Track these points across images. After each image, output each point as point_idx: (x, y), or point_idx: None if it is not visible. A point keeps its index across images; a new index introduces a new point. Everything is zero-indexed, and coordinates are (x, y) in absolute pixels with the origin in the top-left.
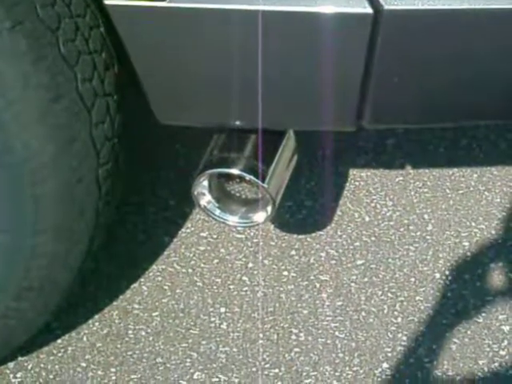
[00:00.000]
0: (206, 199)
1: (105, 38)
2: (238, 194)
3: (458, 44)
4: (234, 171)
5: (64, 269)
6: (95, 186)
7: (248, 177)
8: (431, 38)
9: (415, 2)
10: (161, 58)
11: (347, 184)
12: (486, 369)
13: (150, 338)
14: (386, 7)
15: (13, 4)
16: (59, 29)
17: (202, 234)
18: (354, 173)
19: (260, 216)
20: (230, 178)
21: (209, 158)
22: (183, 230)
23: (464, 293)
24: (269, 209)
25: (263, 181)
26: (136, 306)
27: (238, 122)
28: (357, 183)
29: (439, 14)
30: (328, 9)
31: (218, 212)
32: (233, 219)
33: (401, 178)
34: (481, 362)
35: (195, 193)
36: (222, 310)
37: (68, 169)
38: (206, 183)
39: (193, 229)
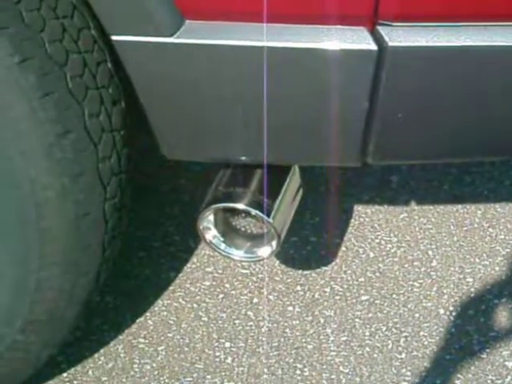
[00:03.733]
0: (211, 234)
1: (112, 74)
2: (243, 229)
3: (462, 81)
4: (240, 206)
5: (70, 302)
6: (102, 221)
7: (253, 211)
8: (435, 74)
9: (419, 39)
10: (168, 93)
11: (352, 220)
12: None
13: (156, 373)
14: (391, 44)
15: (22, 39)
16: (67, 64)
17: (207, 269)
18: (358, 209)
19: (265, 251)
20: (235, 212)
21: (214, 193)
22: (188, 265)
23: (468, 328)
24: (274, 244)
25: (268, 216)
26: (141, 341)
27: (243, 158)
28: (361, 219)
29: (443, 51)
30: (333, 45)
31: (223, 246)
32: (238, 254)
33: (405, 215)
34: None
35: (201, 227)
36: (227, 344)
37: (75, 203)
38: (211, 218)
39: (198, 264)
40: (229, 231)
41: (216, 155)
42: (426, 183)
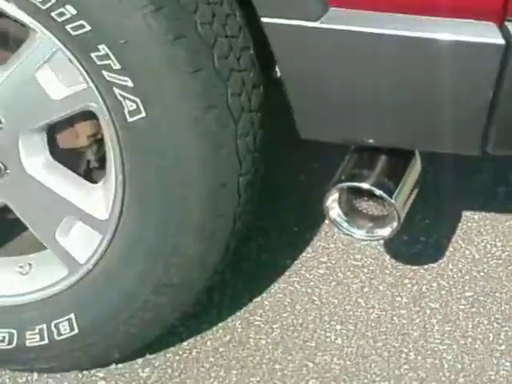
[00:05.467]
0: (335, 212)
1: (254, 60)
2: (365, 211)
3: None
4: (364, 186)
5: (200, 269)
6: (236, 193)
7: (377, 192)
8: None
9: None
10: (309, 76)
11: (460, 224)
12: None
13: (270, 347)
14: None
15: (176, 18)
16: (215, 45)
17: (321, 259)
18: (466, 215)
19: (385, 231)
20: (359, 194)
21: (341, 174)
22: (304, 254)
23: None
24: (394, 224)
25: (391, 197)
26: (257, 318)
27: (371, 140)
28: (469, 224)
29: None
30: (466, 37)
31: (345, 225)
32: (359, 233)
33: (511, 222)
34: None
35: (326, 204)
36: (338, 327)
37: (214, 174)
38: (336, 197)
39: (313, 254)
40: (352, 211)
41: (346, 137)
42: None
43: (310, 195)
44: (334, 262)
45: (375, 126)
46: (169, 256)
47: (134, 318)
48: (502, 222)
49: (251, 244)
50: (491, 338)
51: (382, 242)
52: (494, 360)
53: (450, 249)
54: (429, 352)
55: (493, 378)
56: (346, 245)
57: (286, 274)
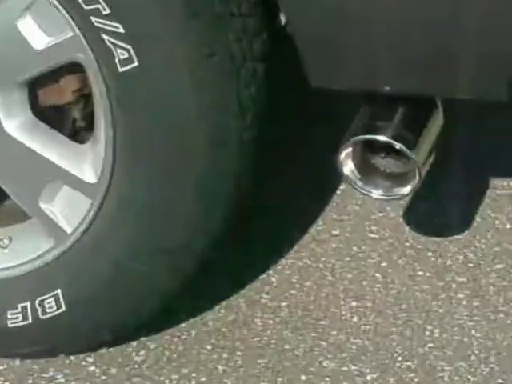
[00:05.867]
0: (348, 168)
1: (255, 4)
2: (382, 168)
3: None
4: (382, 138)
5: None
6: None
7: (397, 145)
8: None
9: None
10: (315, 18)
11: (488, 192)
12: None
13: (278, 327)
14: None
15: None
16: None
17: (333, 232)
18: (495, 182)
19: (405, 189)
20: (375, 150)
21: (356, 126)
22: (314, 227)
23: None
24: (414, 182)
25: (411, 151)
26: (264, 296)
27: (387, 88)
28: (498, 191)
29: None
30: None
31: (360, 184)
32: (376, 192)
33: None
34: None
35: (340, 159)
36: (354, 304)
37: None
38: (350, 150)
39: (324, 226)
40: (367, 169)
41: (359, 84)
42: None
43: (318, 162)
44: (347, 234)
45: (390, 70)
46: (163, 219)
47: (127, 291)
48: None
49: (256, 221)
50: None
51: (400, 212)
52: None
53: (478, 219)
54: (455, 329)
55: None
56: (361, 216)
57: (294, 248)
